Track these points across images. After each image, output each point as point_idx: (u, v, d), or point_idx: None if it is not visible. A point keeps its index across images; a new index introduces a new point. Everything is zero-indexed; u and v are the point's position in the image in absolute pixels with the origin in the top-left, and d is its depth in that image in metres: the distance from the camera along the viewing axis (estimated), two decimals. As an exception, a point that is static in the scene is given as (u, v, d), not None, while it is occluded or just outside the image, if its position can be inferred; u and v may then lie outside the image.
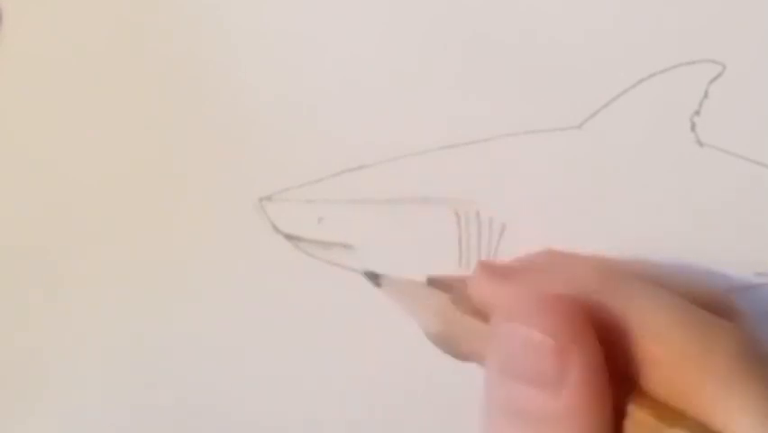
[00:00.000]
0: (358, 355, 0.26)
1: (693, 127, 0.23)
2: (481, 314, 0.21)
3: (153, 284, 0.26)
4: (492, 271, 0.21)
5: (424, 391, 0.26)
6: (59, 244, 0.26)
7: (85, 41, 0.25)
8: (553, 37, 0.23)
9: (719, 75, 0.22)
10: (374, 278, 0.24)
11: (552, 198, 0.24)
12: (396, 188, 0.24)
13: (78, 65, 0.25)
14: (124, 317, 0.26)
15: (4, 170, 0.26)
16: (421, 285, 0.24)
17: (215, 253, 0.26)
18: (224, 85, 0.24)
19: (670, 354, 0.17)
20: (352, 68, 0.24)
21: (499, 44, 0.23)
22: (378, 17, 0.23)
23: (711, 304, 0.19)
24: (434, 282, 0.24)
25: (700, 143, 0.23)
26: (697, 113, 0.23)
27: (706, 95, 0.23)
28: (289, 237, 0.25)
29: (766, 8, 0.22)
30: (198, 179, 0.25)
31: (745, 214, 0.23)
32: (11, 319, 0.27)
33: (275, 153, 0.25)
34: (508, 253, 0.24)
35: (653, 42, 0.23)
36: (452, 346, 0.22)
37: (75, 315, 0.26)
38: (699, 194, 0.23)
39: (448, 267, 0.24)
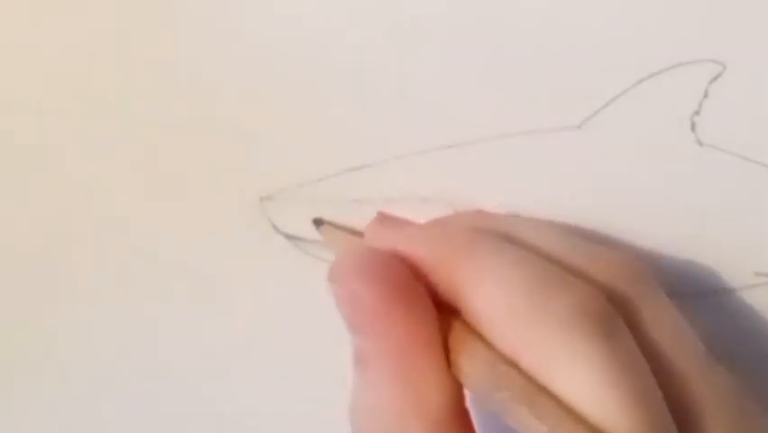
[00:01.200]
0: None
1: (693, 127, 0.23)
2: None
3: (153, 284, 0.26)
4: (383, 220, 0.22)
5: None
6: (59, 244, 0.26)
7: (85, 40, 0.25)
8: (553, 37, 0.23)
9: (719, 75, 0.22)
10: (318, 223, 0.24)
11: (552, 198, 0.24)
12: (396, 188, 0.24)
13: (79, 65, 0.25)
14: (124, 316, 0.26)
15: (4, 171, 0.26)
16: (354, 235, 0.24)
17: (216, 253, 0.26)
18: (224, 84, 0.24)
19: (506, 308, 0.18)
20: (352, 68, 0.24)
21: (499, 44, 0.23)
22: (378, 18, 0.23)
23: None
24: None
25: (700, 143, 0.23)
26: (697, 113, 0.23)
27: (706, 95, 0.23)
28: (289, 237, 0.25)
29: (766, 8, 0.22)
30: (198, 179, 0.25)
31: (745, 214, 0.23)
32: (11, 319, 0.27)
33: (275, 153, 0.25)
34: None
35: (653, 42, 0.23)
36: None
37: (75, 315, 0.26)
38: (699, 194, 0.23)
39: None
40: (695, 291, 0.23)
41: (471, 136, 0.24)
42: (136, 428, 0.27)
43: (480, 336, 0.19)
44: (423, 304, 0.19)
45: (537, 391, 0.17)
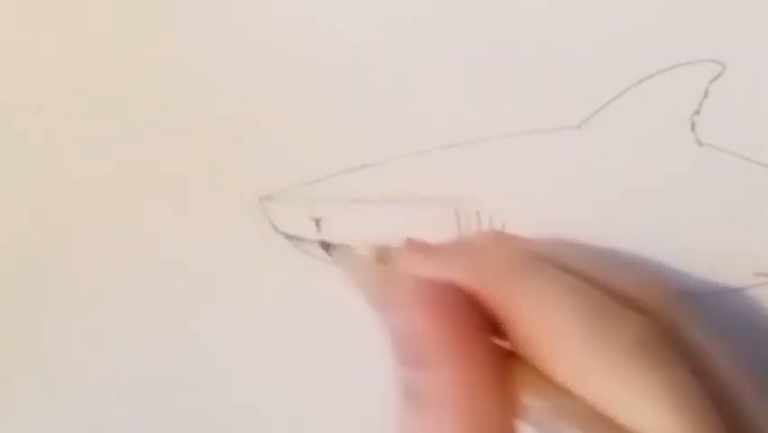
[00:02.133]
0: (357, 355, 0.26)
1: (693, 127, 0.23)
2: None
3: (153, 284, 0.26)
4: (413, 246, 0.22)
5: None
6: (59, 244, 0.26)
7: (85, 40, 0.25)
8: (554, 37, 0.23)
9: (719, 75, 0.22)
10: (327, 247, 0.24)
11: (552, 198, 0.24)
12: (396, 188, 0.24)
13: (79, 65, 0.25)
14: (124, 316, 0.26)
15: (4, 171, 0.26)
16: (368, 258, 0.24)
17: (216, 252, 0.26)
18: (224, 85, 0.24)
19: (565, 339, 0.18)
20: (352, 68, 0.24)
21: (499, 45, 0.23)
22: (378, 18, 0.23)
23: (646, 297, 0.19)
24: (378, 252, 0.24)
25: (700, 143, 0.23)
26: (697, 113, 0.23)
27: (706, 95, 0.23)
28: (289, 237, 0.25)
29: (766, 8, 0.22)
30: (199, 179, 0.25)
31: (745, 214, 0.23)
32: (11, 319, 0.27)
33: (275, 153, 0.25)
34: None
35: (653, 42, 0.23)
36: None
37: (75, 315, 0.26)
38: (699, 194, 0.23)
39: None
40: (695, 291, 0.23)
41: (471, 136, 0.24)
42: (136, 428, 0.27)
43: (536, 368, 0.18)
44: (487, 339, 0.18)
45: (604, 422, 0.17)
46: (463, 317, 0.18)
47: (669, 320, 0.19)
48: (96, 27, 0.24)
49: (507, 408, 0.18)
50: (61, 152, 0.25)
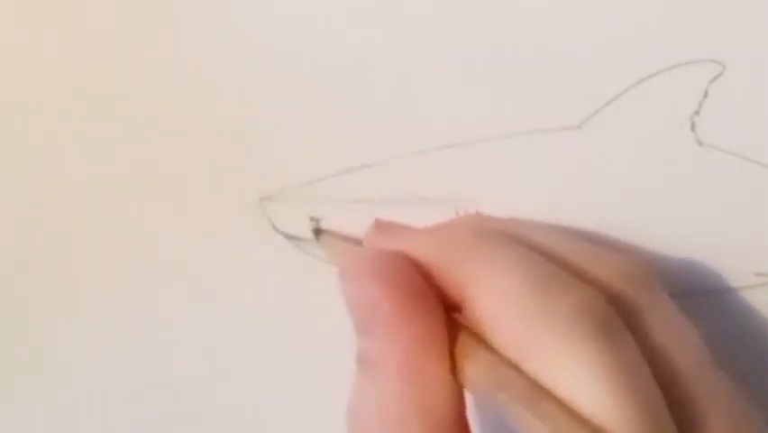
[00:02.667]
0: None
1: (693, 127, 0.23)
2: None
3: (153, 284, 0.26)
4: (381, 226, 0.22)
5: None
6: (59, 244, 0.26)
7: (85, 40, 0.25)
8: (554, 37, 0.23)
9: (719, 75, 0.22)
10: (317, 232, 0.24)
11: (552, 198, 0.24)
12: (396, 188, 0.24)
13: (79, 65, 0.25)
14: (123, 316, 0.26)
15: (4, 171, 0.26)
16: (353, 243, 0.24)
17: (216, 252, 0.26)
18: (224, 84, 0.24)
19: (509, 309, 0.18)
20: (352, 68, 0.24)
21: (500, 44, 0.23)
22: (378, 18, 0.23)
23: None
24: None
25: (700, 143, 0.23)
26: (697, 113, 0.23)
27: (706, 95, 0.23)
28: (289, 237, 0.25)
29: (766, 8, 0.22)
30: (198, 179, 0.25)
31: (745, 214, 0.23)
32: (11, 319, 0.27)
33: (275, 153, 0.25)
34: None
35: (653, 42, 0.23)
36: None
37: (74, 315, 0.26)
38: (699, 194, 0.23)
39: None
40: (695, 291, 0.23)
41: (471, 136, 0.24)
42: (136, 428, 0.27)
43: (481, 339, 0.19)
44: (433, 308, 0.19)
45: (539, 392, 0.17)
46: (410, 287, 0.19)
47: (625, 296, 0.19)
48: (96, 27, 0.24)
49: (449, 378, 0.19)
50: (61, 152, 0.25)
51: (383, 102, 0.24)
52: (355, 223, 0.25)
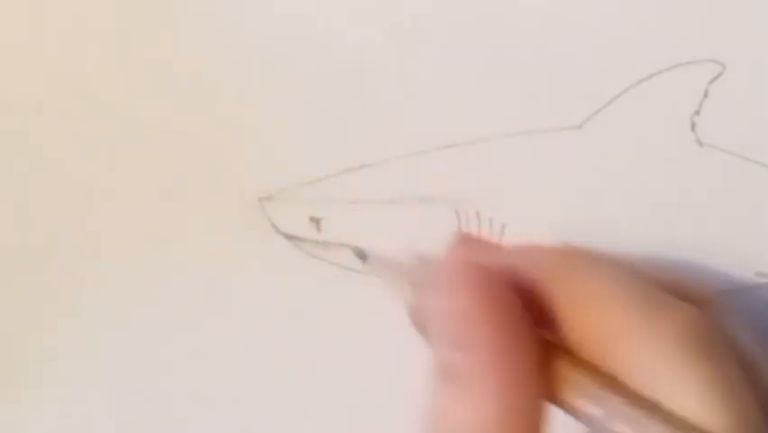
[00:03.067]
0: (358, 355, 0.26)
1: (693, 127, 0.23)
2: None
3: (153, 284, 0.26)
4: (466, 240, 0.22)
5: (423, 390, 0.26)
6: (60, 245, 0.26)
7: (85, 40, 0.25)
8: (554, 37, 0.23)
9: (719, 75, 0.22)
10: (362, 256, 0.24)
11: (552, 198, 0.24)
12: (396, 188, 0.24)
13: (79, 65, 0.25)
14: (123, 316, 0.26)
15: (5, 171, 0.26)
16: (404, 262, 0.24)
17: (215, 252, 0.26)
18: (224, 84, 0.24)
19: (615, 327, 0.18)
20: (352, 68, 0.24)
21: (499, 44, 0.23)
22: (378, 18, 0.23)
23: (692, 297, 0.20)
24: (417, 259, 0.24)
25: (700, 143, 0.23)
26: (697, 113, 0.23)
27: (706, 95, 0.23)
28: (289, 237, 0.25)
29: (766, 8, 0.22)
30: (198, 179, 0.25)
31: (745, 214, 0.23)
32: (11, 319, 0.27)
33: (275, 153, 0.25)
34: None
35: (653, 42, 0.22)
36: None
37: (74, 315, 0.26)
38: (699, 194, 0.23)
39: (448, 267, 0.24)
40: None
41: (471, 136, 0.24)
42: (136, 428, 0.27)
43: (580, 360, 0.18)
44: (527, 324, 0.18)
45: (649, 412, 0.17)
46: (506, 303, 0.18)
47: (715, 314, 0.19)
48: (96, 27, 0.24)
49: (541, 398, 0.18)
50: (61, 152, 0.25)
51: (383, 102, 0.24)
52: (355, 223, 0.25)
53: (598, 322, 0.18)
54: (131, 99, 0.25)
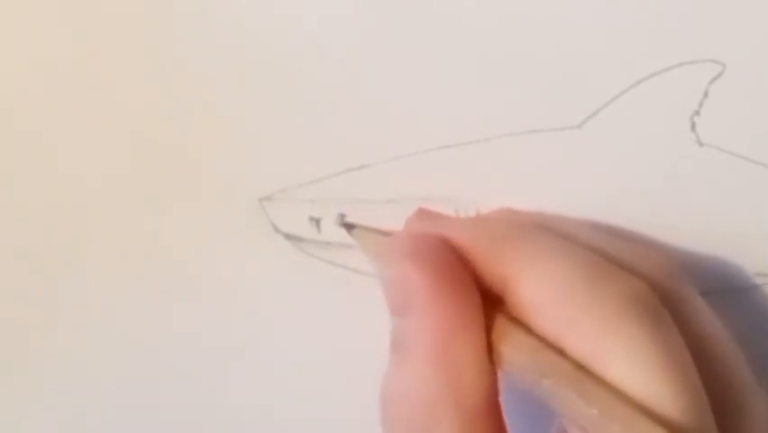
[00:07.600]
0: (358, 355, 0.26)
1: (693, 127, 0.23)
2: None
3: (154, 284, 0.26)
4: (423, 214, 0.22)
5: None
6: (59, 245, 0.26)
7: (85, 40, 0.25)
8: (553, 37, 0.23)
9: (719, 75, 0.22)
10: (349, 227, 0.24)
11: (552, 198, 0.24)
12: (396, 188, 0.24)
13: (79, 65, 0.25)
14: (123, 316, 0.26)
15: (3, 170, 0.26)
16: (387, 234, 0.24)
17: (216, 252, 0.26)
18: (224, 84, 0.24)
19: (556, 294, 0.18)
20: (352, 68, 0.24)
21: (499, 45, 0.23)
22: (378, 18, 0.23)
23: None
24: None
25: (700, 143, 0.23)
26: (697, 113, 0.23)
27: (706, 95, 0.23)
28: (289, 237, 0.25)
29: (766, 8, 0.22)
30: (198, 179, 0.25)
31: (745, 214, 0.23)
32: (11, 319, 0.27)
33: (275, 153, 0.25)
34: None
35: (653, 42, 0.23)
36: None
37: (74, 314, 0.26)
38: (699, 194, 0.23)
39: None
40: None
41: (471, 136, 0.24)
42: (136, 428, 0.27)
43: (523, 324, 0.18)
44: (469, 290, 0.19)
45: (586, 375, 0.17)
46: (445, 266, 0.19)
47: (668, 288, 0.19)
48: (96, 27, 0.24)
49: (483, 362, 0.18)
50: (61, 152, 0.25)
51: (383, 102, 0.24)
52: (355, 223, 0.25)
53: (542, 291, 0.18)
54: (131, 99, 0.25)
